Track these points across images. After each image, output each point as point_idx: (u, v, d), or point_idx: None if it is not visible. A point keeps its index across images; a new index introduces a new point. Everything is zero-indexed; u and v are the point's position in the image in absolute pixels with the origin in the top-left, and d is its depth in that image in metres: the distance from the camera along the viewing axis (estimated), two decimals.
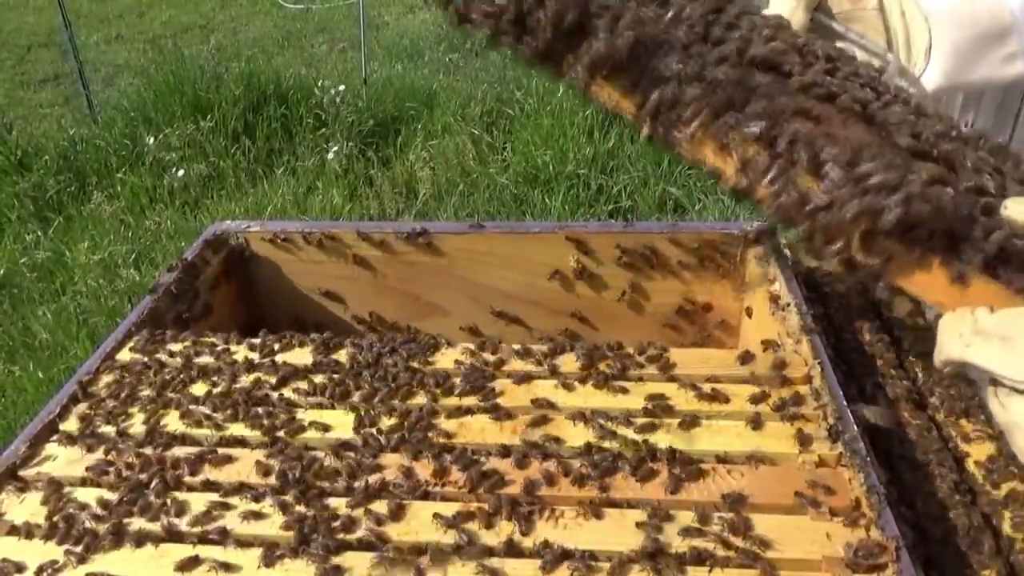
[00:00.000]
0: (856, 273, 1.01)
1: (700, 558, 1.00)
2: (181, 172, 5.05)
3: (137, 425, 1.29)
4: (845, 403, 1.20)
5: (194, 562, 1.05)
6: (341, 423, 1.26)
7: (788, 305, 1.45)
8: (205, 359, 1.44)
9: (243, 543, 1.07)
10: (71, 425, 1.31)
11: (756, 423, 1.21)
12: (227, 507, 1.12)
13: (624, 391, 1.29)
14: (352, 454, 1.19)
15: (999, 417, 0.73)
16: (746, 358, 1.34)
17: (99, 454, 1.24)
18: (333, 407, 1.30)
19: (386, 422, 1.25)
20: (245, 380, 1.37)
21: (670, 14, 1.15)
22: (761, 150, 1.03)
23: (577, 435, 1.21)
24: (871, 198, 0.94)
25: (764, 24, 1.22)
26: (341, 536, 1.06)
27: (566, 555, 1.01)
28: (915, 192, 0.93)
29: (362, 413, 1.27)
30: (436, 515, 1.08)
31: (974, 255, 0.91)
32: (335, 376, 1.36)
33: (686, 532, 1.03)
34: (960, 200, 0.95)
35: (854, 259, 0.98)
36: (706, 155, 1.08)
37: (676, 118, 1.06)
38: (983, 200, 0.97)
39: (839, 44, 1.35)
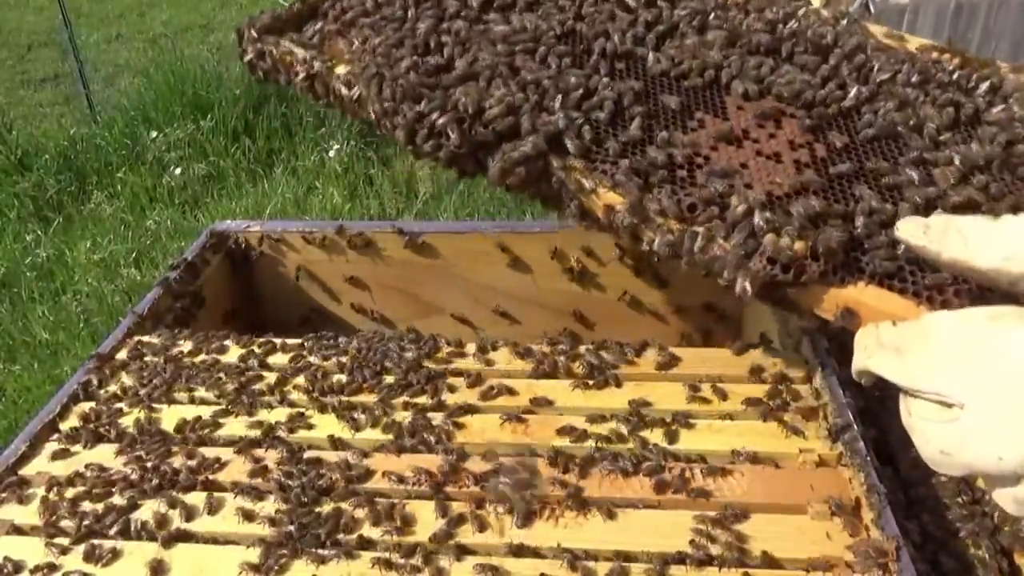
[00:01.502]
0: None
1: (700, 557, 1.00)
2: (180, 171, 5.05)
3: (137, 424, 1.29)
4: (845, 403, 1.20)
5: (194, 561, 1.05)
6: (341, 422, 1.26)
7: None
8: (205, 358, 1.44)
9: (244, 542, 1.07)
10: (71, 424, 1.31)
11: (757, 422, 1.21)
12: (227, 506, 1.12)
13: (625, 390, 1.29)
14: (352, 453, 1.19)
15: (904, 420, 0.79)
16: (746, 354, 1.34)
17: (99, 453, 1.24)
18: (333, 407, 1.30)
19: (386, 421, 1.25)
20: (244, 379, 1.37)
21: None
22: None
23: (578, 435, 1.21)
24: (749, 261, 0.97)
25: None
26: (341, 536, 1.06)
27: (567, 555, 1.01)
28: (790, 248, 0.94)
29: (362, 412, 1.27)
30: (436, 514, 1.08)
31: (870, 278, 0.93)
32: (335, 375, 1.36)
33: (686, 531, 1.03)
34: (852, 230, 0.97)
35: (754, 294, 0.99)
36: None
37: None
38: (881, 215, 0.98)
39: None
